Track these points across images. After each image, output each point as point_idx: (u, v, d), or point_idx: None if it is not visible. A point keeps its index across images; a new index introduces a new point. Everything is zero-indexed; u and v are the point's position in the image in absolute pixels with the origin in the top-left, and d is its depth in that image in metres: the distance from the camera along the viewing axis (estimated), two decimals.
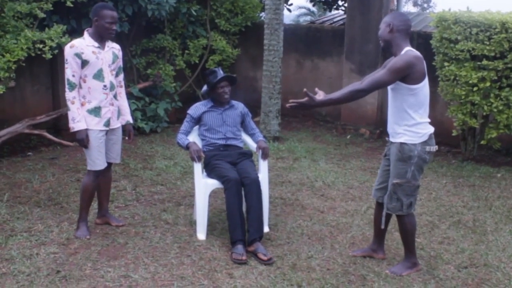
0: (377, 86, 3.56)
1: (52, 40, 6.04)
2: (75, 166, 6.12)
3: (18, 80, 6.51)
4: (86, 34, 4.15)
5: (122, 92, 4.45)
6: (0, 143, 6.20)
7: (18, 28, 5.92)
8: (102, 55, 4.13)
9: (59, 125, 7.21)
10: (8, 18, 5.84)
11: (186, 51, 8.56)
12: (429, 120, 3.65)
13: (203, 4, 8.68)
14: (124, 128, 4.52)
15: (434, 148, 3.67)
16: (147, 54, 8.28)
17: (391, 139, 3.72)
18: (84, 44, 4.08)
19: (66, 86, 4.06)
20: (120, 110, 4.41)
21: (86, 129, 4.10)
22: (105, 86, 4.16)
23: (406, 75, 3.46)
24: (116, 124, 4.35)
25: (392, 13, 3.73)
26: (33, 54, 5.98)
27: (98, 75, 4.11)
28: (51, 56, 6.08)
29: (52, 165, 6.14)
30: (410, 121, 3.57)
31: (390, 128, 3.72)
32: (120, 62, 4.36)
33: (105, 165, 4.28)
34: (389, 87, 3.63)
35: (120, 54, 4.35)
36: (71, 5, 6.32)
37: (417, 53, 3.54)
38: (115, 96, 4.29)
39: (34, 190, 5.31)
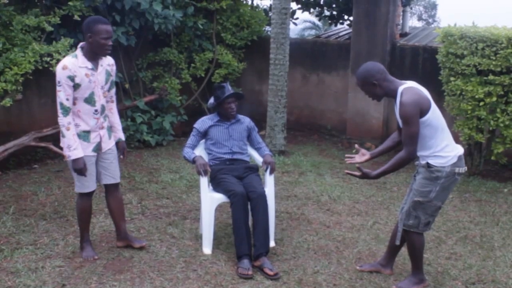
0: (414, 141, 3.43)
1: (60, 53, 6.07)
2: None
3: (25, 93, 6.53)
4: (79, 52, 3.85)
5: (113, 107, 4.20)
6: (7, 155, 6.22)
7: (26, 41, 5.97)
8: (95, 77, 3.88)
9: None
10: (16, 31, 5.89)
11: (192, 65, 8.59)
12: (453, 142, 3.58)
13: (210, 18, 8.73)
14: (117, 145, 4.27)
15: (464, 169, 3.57)
16: (153, 68, 8.32)
17: (420, 161, 3.64)
18: (77, 65, 3.78)
19: (59, 111, 3.76)
20: (112, 127, 4.21)
21: (83, 157, 3.85)
22: (96, 111, 3.94)
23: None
24: (109, 144, 4.13)
25: (362, 70, 3.56)
26: (40, 67, 6.02)
27: (90, 100, 3.88)
28: None
29: (57, 178, 6.15)
30: (436, 148, 3.51)
31: (418, 152, 3.60)
32: (112, 77, 4.09)
33: (95, 187, 4.10)
34: (401, 122, 3.54)
35: (113, 69, 4.08)
36: (79, 19, 6.37)
37: (411, 86, 3.49)
38: (105, 116, 4.08)
39: (40, 203, 5.31)
